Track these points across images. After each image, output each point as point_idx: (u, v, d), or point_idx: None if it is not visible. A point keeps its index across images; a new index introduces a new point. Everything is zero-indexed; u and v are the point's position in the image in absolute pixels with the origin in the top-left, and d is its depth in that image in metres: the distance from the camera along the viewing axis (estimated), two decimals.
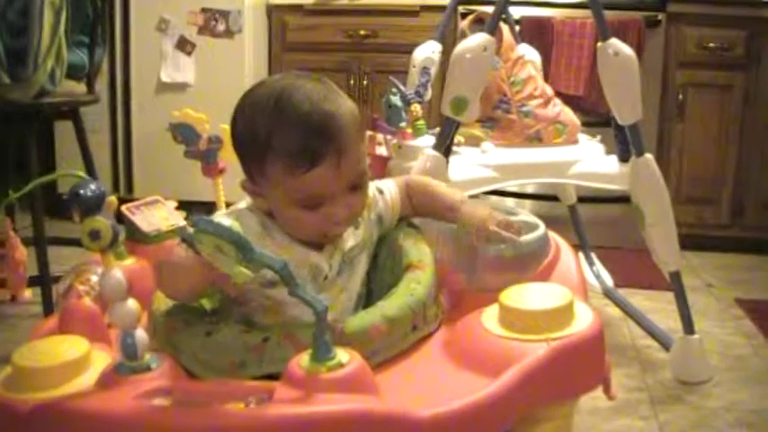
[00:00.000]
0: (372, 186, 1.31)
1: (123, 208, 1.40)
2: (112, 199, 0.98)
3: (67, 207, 0.95)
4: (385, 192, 1.33)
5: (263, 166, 1.14)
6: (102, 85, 3.65)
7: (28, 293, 1.37)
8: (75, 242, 0.97)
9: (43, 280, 2.55)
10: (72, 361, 1.01)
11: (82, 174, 1.04)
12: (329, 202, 1.15)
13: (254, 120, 1.15)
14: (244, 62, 3.91)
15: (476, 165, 2.32)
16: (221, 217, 1.18)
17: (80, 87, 2.74)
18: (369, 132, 2.21)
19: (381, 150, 2.19)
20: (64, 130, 3.51)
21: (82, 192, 0.94)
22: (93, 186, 0.95)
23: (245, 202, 1.23)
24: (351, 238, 1.25)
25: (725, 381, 2.42)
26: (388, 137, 2.27)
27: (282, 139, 1.12)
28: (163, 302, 1.16)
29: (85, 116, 2.84)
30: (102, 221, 0.95)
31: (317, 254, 1.20)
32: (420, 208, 1.34)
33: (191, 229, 0.94)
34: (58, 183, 3.89)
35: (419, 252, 1.27)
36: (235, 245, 0.91)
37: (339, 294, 1.22)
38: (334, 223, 1.17)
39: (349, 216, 1.19)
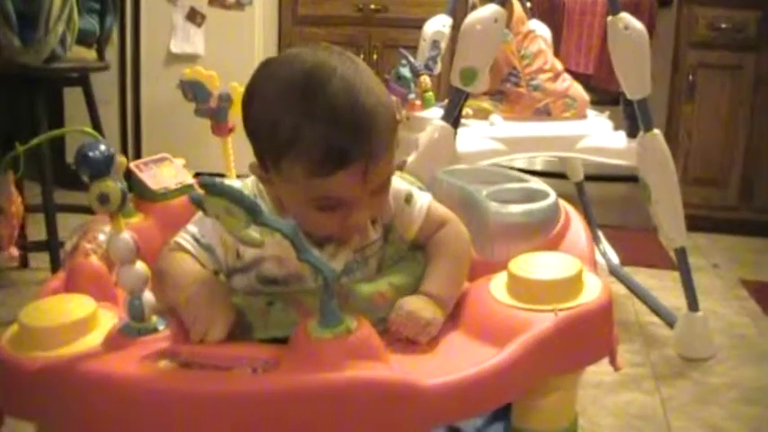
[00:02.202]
0: (400, 188, 1.17)
1: (131, 165, 1.40)
2: (122, 159, 0.96)
3: (76, 169, 0.92)
4: (414, 205, 1.18)
5: (280, 161, 1.02)
6: (111, 55, 3.66)
7: (14, 251, 1.35)
8: (83, 210, 0.95)
9: (51, 246, 2.56)
10: (78, 320, 0.99)
11: (91, 130, 1.04)
12: (349, 205, 1.04)
13: (276, 108, 1.01)
14: (254, 35, 3.91)
15: (484, 137, 2.32)
16: (231, 181, 1.16)
17: (90, 54, 2.75)
18: None
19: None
20: (73, 99, 3.51)
21: (91, 154, 0.91)
22: (102, 148, 0.91)
23: (250, 182, 1.15)
24: (371, 230, 1.14)
25: (728, 358, 2.43)
26: (397, 98, 2.25)
27: (308, 138, 0.98)
28: None
29: (95, 86, 2.84)
30: (111, 185, 0.92)
31: (317, 253, 1.09)
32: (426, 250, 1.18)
33: (200, 191, 0.91)
34: (66, 152, 3.92)
35: None
36: (244, 208, 0.89)
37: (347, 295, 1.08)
38: (351, 227, 1.07)
39: (368, 220, 1.10)
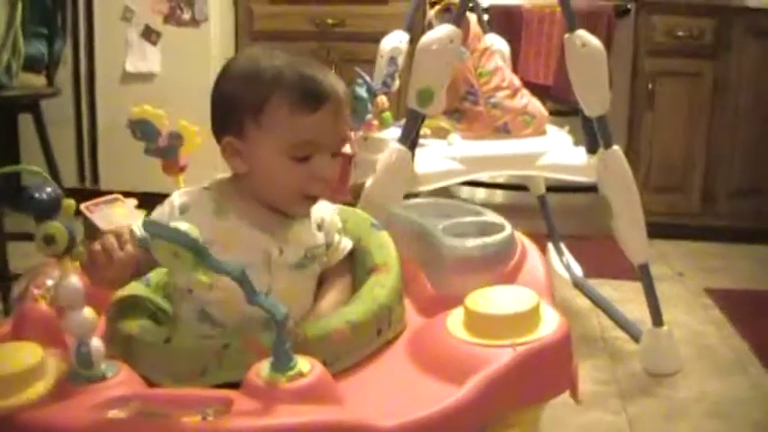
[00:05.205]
0: (336, 221, 1.28)
1: (82, 206, 1.37)
2: (70, 203, 0.94)
3: (22, 209, 0.91)
4: (341, 240, 1.27)
5: (263, 109, 1.12)
6: (66, 75, 3.59)
7: None
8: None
9: (1, 276, 2.50)
10: (26, 370, 0.97)
11: (39, 170, 1.01)
12: (318, 154, 1.14)
13: (258, 64, 1.16)
14: (210, 51, 3.84)
15: (443, 157, 2.30)
16: (177, 221, 1.14)
17: (39, 80, 2.70)
18: None
19: (345, 148, 2.15)
20: (28, 123, 3.44)
21: (36, 195, 0.90)
22: (48, 189, 0.91)
23: (213, 192, 1.18)
24: (318, 236, 1.22)
25: (694, 370, 2.42)
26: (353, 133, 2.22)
27: (292, 78, 1.13)
28: (119, 307, 1.15)
29: (50, 107, 2.78)
30: (57, 227, 0.91)
31: (268, 238, 1.15)
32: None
33: (146, 234, 0.91)
34: (23, 176, 3.84)
35: (384, 254, 1.24)
36: (191, 251, 0.89)
37: (291, 287, 1.16)
38: (319, 179, 1.15)
39: (330, 179, 1.18)
